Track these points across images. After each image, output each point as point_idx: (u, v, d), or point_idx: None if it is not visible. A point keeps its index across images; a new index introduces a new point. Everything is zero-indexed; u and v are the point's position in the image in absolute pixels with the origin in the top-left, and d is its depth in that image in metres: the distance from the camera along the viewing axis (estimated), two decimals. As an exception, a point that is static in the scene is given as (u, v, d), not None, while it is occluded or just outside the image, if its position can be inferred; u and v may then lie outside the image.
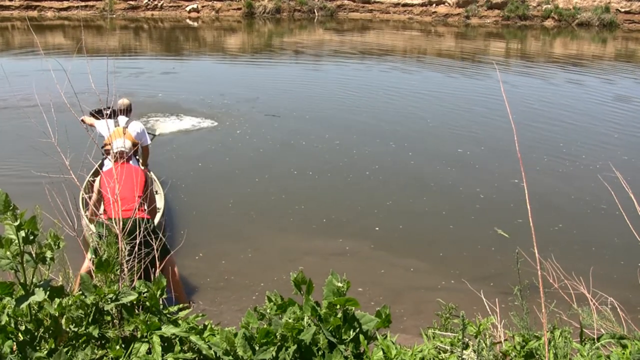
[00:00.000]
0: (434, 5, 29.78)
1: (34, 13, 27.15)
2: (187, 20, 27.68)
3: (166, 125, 10.15)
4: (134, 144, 5.79)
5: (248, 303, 4.76)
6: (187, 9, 28.66)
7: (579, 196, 7.38)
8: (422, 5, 29.81)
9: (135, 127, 6.15)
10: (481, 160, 8.72)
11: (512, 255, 5.67)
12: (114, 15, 27.50)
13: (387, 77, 15.69)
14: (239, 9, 28.85)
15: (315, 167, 8.20)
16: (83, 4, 27.79)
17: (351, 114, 11.27)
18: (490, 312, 2.86)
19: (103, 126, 6.13)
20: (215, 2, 29.01)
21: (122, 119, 6.19)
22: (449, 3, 29.47)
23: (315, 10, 29.19)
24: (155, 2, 28.62)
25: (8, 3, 27.34)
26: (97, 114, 6.39)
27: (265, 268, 5.42)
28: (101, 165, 6.29)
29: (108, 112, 6.31)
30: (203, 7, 28.91)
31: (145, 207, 4.70)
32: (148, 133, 6.65)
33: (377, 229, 6.36)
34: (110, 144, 5.70)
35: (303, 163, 8.39)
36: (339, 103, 12.08)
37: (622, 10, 28.18)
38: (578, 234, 6.39)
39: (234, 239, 6.05)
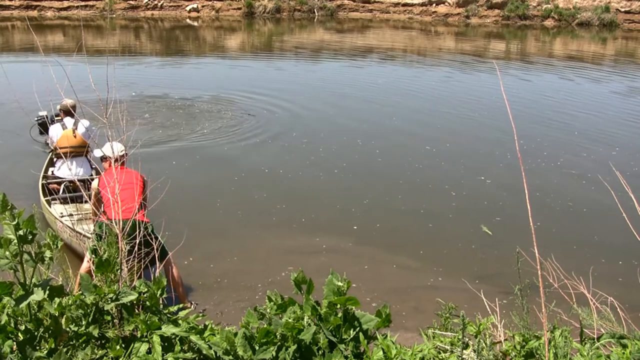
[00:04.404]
0: (434, 5, 29.78)
1: (34, 13, 27.16)
2: (187, 20, 27.68)
3: (141, 122, 10.14)
4: (83, 145, 6.20)
5: (247, 303, 4.76)
6: (187, 8, 28.65)
7: (588, 196, 7.36)
8: (422, 5, 29.82)
9: (83, 126, 6.31)
10: (448, 157, 8.77)
11: (495, 254, 5.74)
12: (114, 15, 27.50)
13: (361, 75, 15.75)
14: (239, 8, 28.85)
15: (286, 165, 8.18)
16: (83, 3, 27.79)
17: (320, 111, 11.33)
18: (490, 312, 2.86)
19: (53, 131, 6.35)
20: (215, 1, 29.01)
21: (68, 121, 6.34)
22: (449, 3, 29.46)
23: (315, 10, 29.19)
24: (155, 2, 28.61)
25: (8, 3, 27.33)
26: (42, 125, 6.75)
27: (263, 268, 5.41)
28: (50, 164, 6.60)
29: (39, 120, 6.91)
30: (203, 6, 28.91)
31: (145, 211, 4.71)
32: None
33: (355, 227, 6.33)
34: (62, 148, 6.05)
35: (273, 161, 8.38)
36: (308, 101, 12.10)
37: (622, 10, 28.18)
38: (577, 233, 6.39)
39: (228, 238, 6.03)
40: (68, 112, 6.36)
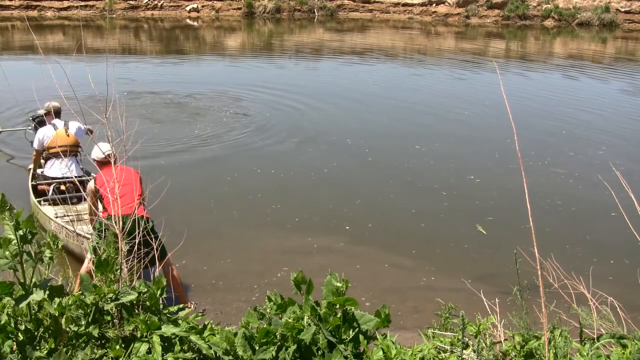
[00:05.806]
0: (434, 5, 29.78)
1: (34, 13, 27.14)
2: (187, 20, 27.68)
3: (134, 123, 10.05)
4: (77, 144, 6.39)
5: (245, 303, 4.76)
6: (187, 8, 28.65)
7: (577, 195, 7.36)
8: (422, 5, 29.81)
9: (74, 126, 6.46)
10: (437, 156, 8.77)
11: (490, 253, 5.73)
12: (114, 15, 27.49)
13: (355, 75, 15.77)
14: (239, 8, 28.85)
15: (277, 165, 8.18)
16: (83, 3, 27.77)
17: (311, 111, 11.34)
18: (489, 312, 2.86)
19: (45, 131, 6.43)
20: (215, 1, 29.01)
21: (58, 122, 6.48)
22: (449, 3, 29.46)
23: (315, 10, 29.19)
24: (155, 2, 28.60)
25: (8, 3, 27.31)
26: (39, 123, 6.80)
27: (259, 268, 5.41)
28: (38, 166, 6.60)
29: (38, 119, 6.95)
30: (203, 6, 28.90)
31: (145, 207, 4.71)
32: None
33: (347, 227, 6.33)
34: (60, 146, 6.14)
35: (265, 161, 8.38)
36: (301, 101, 12.09)
37: (622, 10, 28.19)
38: (570, 232, 6.37)
39: (224, 239, 6.02)
40: (56, 113, 6.49)
